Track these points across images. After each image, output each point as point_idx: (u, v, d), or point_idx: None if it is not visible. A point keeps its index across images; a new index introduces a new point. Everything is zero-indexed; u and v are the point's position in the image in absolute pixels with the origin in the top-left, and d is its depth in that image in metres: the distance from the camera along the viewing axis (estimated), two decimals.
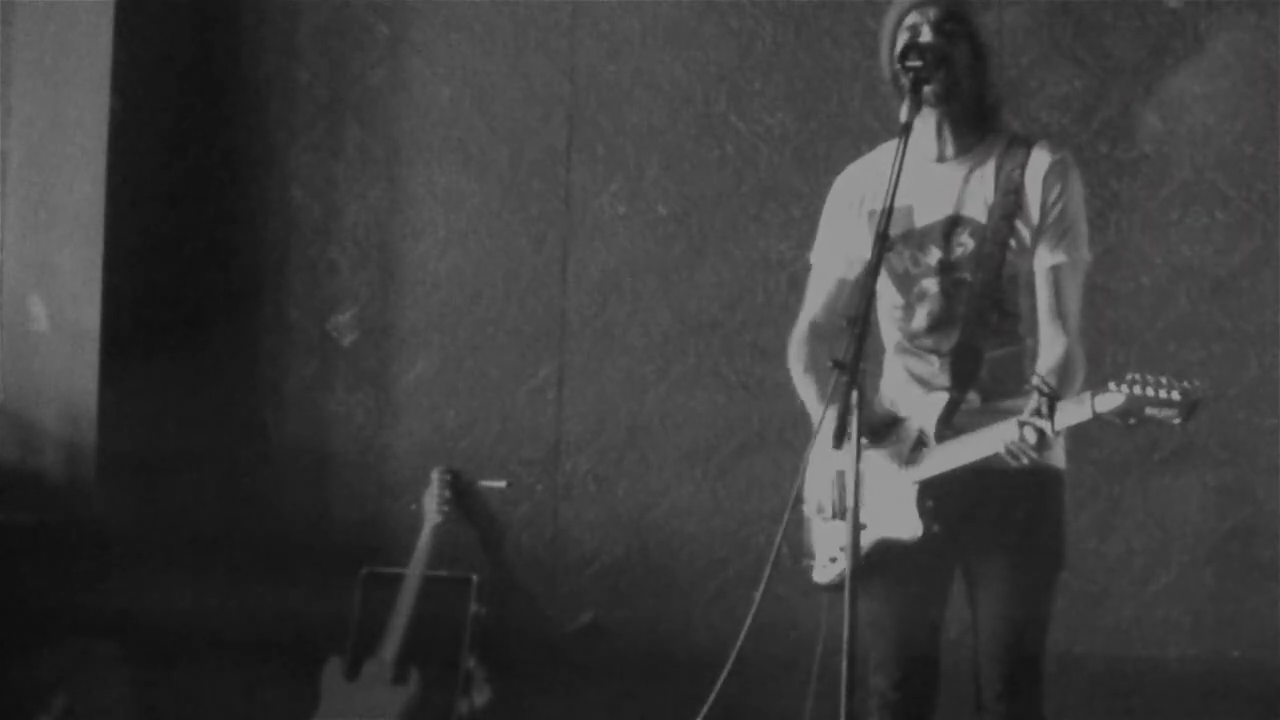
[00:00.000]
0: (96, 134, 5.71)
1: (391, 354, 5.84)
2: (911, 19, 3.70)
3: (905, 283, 3.77)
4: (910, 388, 3.77)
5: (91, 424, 5.68)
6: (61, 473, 5.69)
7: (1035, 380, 3.47)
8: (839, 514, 3.74)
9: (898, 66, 3.62)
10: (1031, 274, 3.69)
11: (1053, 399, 3.41)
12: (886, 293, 3.80)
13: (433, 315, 5.81)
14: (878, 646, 3.77)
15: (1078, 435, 3.70)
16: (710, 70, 5.61)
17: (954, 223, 3.71)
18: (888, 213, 3.47)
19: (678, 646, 5.49)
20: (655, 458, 5.61)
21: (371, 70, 5.87)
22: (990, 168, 3.71)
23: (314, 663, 5.50)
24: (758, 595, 3.57)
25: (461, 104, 5.80)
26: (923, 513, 3.64)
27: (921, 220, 3.73)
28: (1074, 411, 3.39)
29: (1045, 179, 3.67)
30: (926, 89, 3.61)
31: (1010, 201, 3.67)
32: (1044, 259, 3.68)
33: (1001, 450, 3.48)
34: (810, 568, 3.83)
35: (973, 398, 3.68)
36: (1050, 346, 3.66)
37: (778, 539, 3.56)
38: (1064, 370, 3.61)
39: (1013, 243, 3.67)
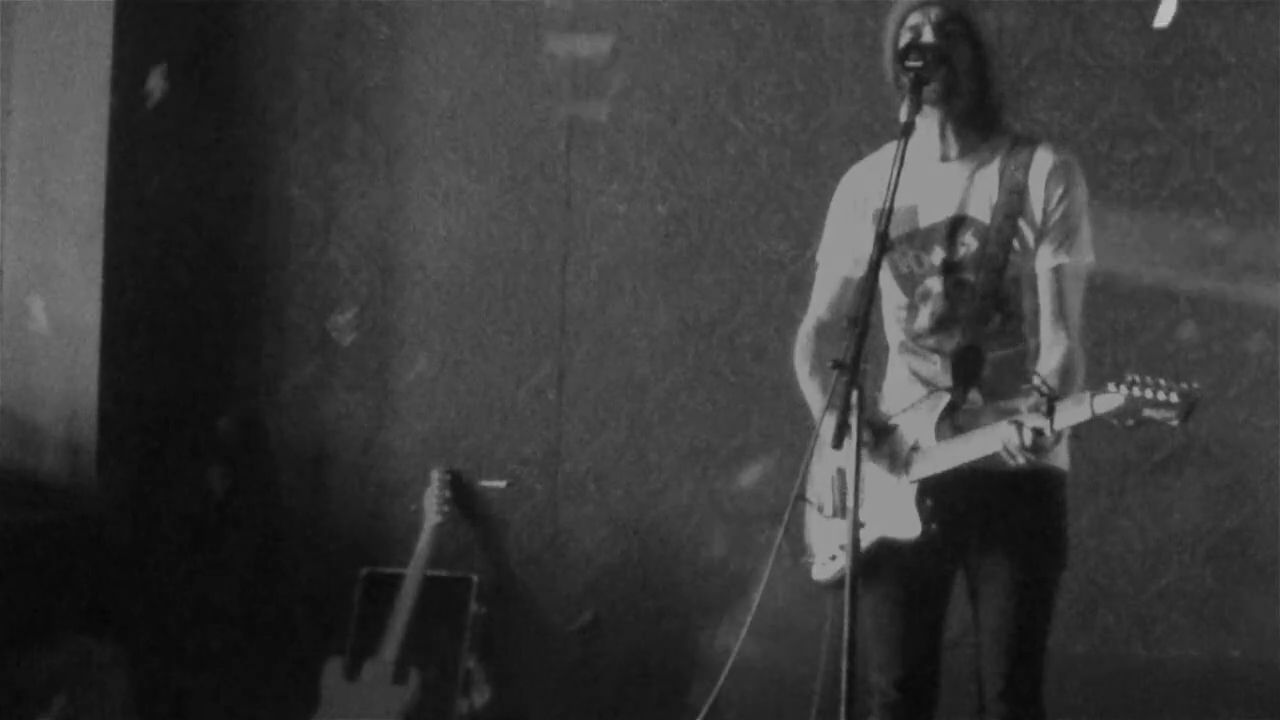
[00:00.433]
0: (96, 134, 5.71)
1: (391, 354, 5.84)
2: (913, 19, 3.71)
3: (909, 283, 3.77)
4: (913, 387, 3.77)
5: (91, 424, 5.68)
6: (61, 473, 5.69)
7: (1035, 381, 3.47)
8: (839, 512, 3.75)
9: (899, 66, 3.63)
10: (1034, 275, 3.70)
11: (1051, 399, 3.41)
12: (890, 293, 3.80)
13: (433, 315, 5.81)
14: (879, 645, 3.78)
15: (1078, 435, 3.71)
16: (710, 70, 5.61)
17: (958, 223, 3.72)
18: (887, 213, 3.48)
19: (678, 646, 5.49)
20: (655, 458, 5.61)
21: (371, 70, 5.87)
22: (994, 168, 3.72)
23: (314, 663, 5.50)
24: (758, 595, 3.57)
25: (461, 104, 5.80)
26: (922, 512, 3.64)
27: (926, 220, 3.74)
28: (1073, 412, 3.39)
29: (1049, 180, 3.68)
30: (927, 89, 3.61)
31: (1013, 202, 3.68)
32: (1046, 260, 3.68)
33: (1000, 450, 3.49)
34: (810, 565, 3.84)
35: (975, 398, 3.69)
36: (1051, 347, 3.66)
37: (778, 539, 3.57)
38: (1064, 371, 3.61)
39: (1016, 243, 3.68)
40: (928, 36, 3.68)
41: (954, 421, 3.66)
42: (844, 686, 3.35)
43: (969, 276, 3.70)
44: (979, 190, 3.71)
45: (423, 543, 5.59)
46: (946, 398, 3.67)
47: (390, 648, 5.45)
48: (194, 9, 5.91)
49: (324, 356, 5.87)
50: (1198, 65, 5.23)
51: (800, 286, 3.97)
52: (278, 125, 5.92)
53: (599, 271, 5.68)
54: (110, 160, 5.70)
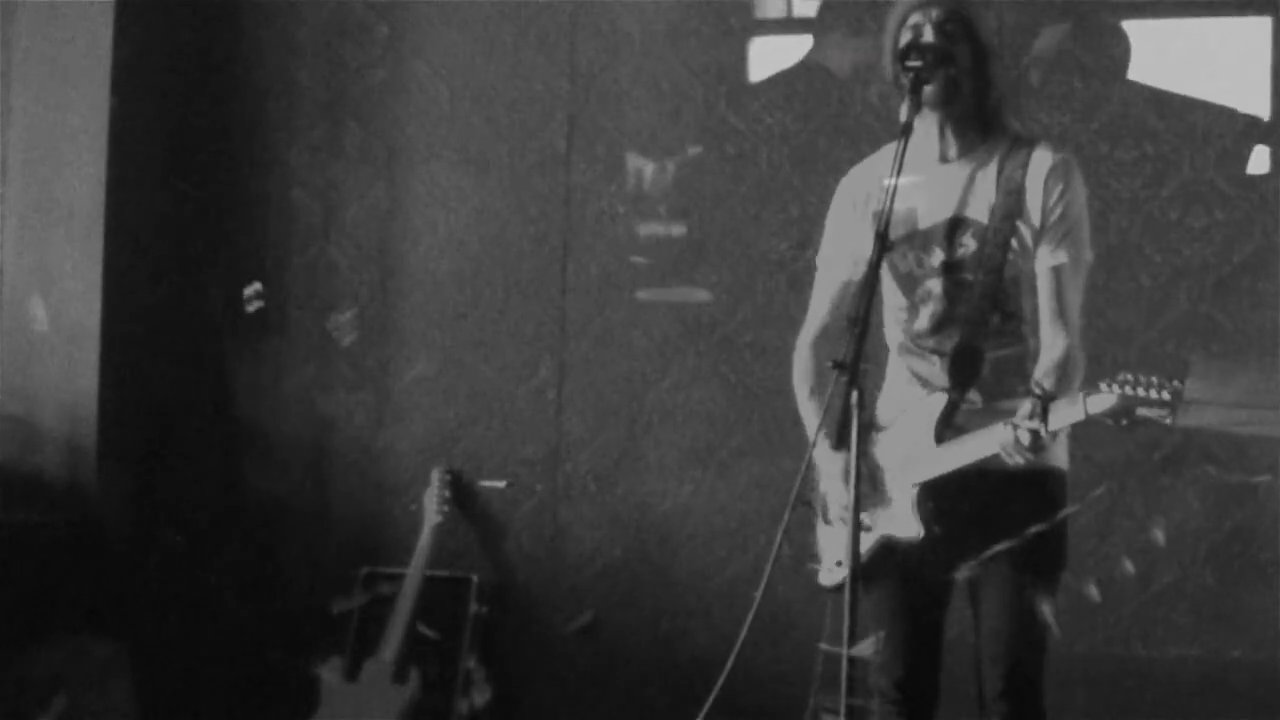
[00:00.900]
0: (96, 134, 5.70)
1: (391, 354, 5.84)
2: (914, 19, 3.71)
3: (909, 284, 3.77)
4: (913, 388, 3.78)
5: (91, 424, 5.68)
6: (61, 473, 5.69)
7: (1031, 381, 3.49)
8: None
9: (899, 66, 3.63)
10: (1033, 275, 3.70)
11: (1046, 400, 3.42)
12: (890, 294, 3.81)
13: (433, 315, 5.81)
14: (880, 646, 3.77)
15: (1078, 435, 3.71)
16: (710, 70, 5.60)
17: (957, 224, 3.72)
18: (886, 214, 3.48)
19: (678, 646, 5.49)
20: (655, 458, 5.61)
21: (371, 70, 5.87)
22: (993, 168, 3.72)
23: (314, 663, 5.50)
24: (758, 595, 3.57)
25: (461, 104, 5.80)
26: (923, 514, 3.64)
27: (925, 221, 3.74)
28: (1067, 413, 3.40)
29: (1047, 180, 3.68)
30: (927, 89, 3.62)
31: (1012, 202, 3.68)
32: (1045, 259, 3.69)
33: (999, 451, 3.49)
34: (816, 571, 3.84)
35: (975, 398, 3.69)
36: (1050, 347, 3.67)
37: (778, 539, 3.57)
38: (1063, 371, 3.62)
39: (1014, 243, 3.68)
40: (928, 36, 3.68)
41: (953, 421, 3.66)
42: (844, 686, 3.35)
43: (968, 277, 3.71)
44: (978, 191, 3.72)
45: (423, 543, 5.59)
46: (944, 399, 3.68)
47: (390, 648, 5.45)
48: (194, 9, 5.91)
49: (324, 356, 5.87)
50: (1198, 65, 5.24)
51: (800, 286, 3.97)
52: (278, 125, 5.92)
53: (599, 271, 5.68)
54: (110, 160, 5.70)
